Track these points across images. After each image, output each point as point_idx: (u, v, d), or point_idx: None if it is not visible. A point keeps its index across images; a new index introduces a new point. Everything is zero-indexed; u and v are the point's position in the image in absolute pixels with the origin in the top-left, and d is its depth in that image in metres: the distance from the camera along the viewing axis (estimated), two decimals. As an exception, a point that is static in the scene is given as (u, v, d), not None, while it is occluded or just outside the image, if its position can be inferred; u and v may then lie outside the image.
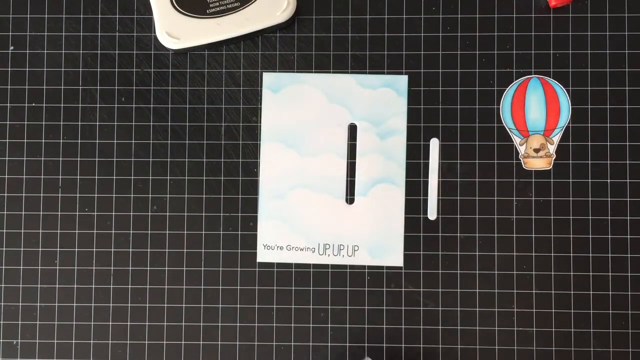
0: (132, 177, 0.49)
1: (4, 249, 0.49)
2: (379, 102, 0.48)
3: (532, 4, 0.49)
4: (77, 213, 0.49)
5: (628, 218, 0.48)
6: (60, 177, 0.49)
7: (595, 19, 0.49)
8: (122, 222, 0.49)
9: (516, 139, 0.49)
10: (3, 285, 0.49)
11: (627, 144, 0.49)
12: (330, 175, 0.48)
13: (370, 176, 0.48)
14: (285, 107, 0.49)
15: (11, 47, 0.50)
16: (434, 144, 0.48)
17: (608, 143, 0.49)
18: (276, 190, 0.49)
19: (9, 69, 0.50)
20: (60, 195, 0.49)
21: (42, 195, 0.49)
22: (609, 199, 0.48)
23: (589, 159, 0.49)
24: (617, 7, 0.49)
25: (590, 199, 0.48)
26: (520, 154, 0.49)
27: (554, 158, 0.49)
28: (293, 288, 0.48)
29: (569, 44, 0.49)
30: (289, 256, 0.48)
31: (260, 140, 0.49)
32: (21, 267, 0.49)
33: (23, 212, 0.49)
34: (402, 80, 0.49)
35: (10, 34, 0.50)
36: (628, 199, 0.48)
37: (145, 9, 0.50)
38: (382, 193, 0.48)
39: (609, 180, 0.49)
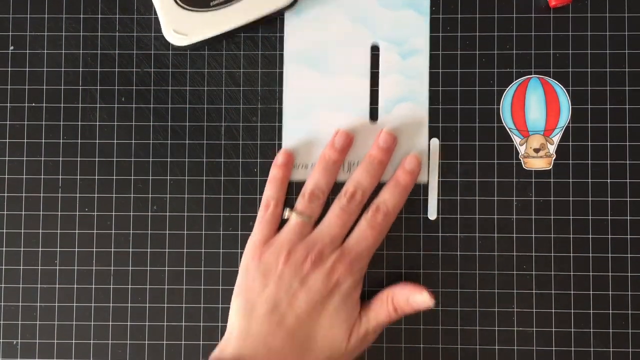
0: (132, 177, 0.49)
1: (4, 249, 0.49)
2: (400, 22, 0.49)
3: (532, 4, 0.49)
4: (77, 213, 0.49)
5: (628, 218, 0.48)
6: (60, 177, 0.49)
7: (595, 19, 0.49)
8: (122, 222, 0.49)
9: (516, 139, 0.49)
10: (3, 285, 0.49)
11: (627, 144, 0.49)
12: (353, 95, 0.49)
13: (392, 95, 0.49)
14: (308, 29, 0.49)
15: (11, 47, 0.50)
16: (434, 144, 0.48)
17: (608, 143, 0.49)
18: (300, 111, 0.49)
19: (9, 69, 0.50)
20: (60, 195, 0.49)
21: (42, 195, 0.49)
22: (609, 199, 0.48)
23: (589, 159, 0.49)
24: (617, 7, 0.49)
25: (590, 199, 0.48)
26: (520, 154, 0.49)
27: (554, 158, 0.49)
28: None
29: (569, 44, 0.49)
30: None
31: (283, 63, 0.49)
32: (21, 267, 0.49)
33: (23, 212, 0.49)
34: (424, 1, 0.49)
35: (10, 34, 0.50)
36: (628, 199, 0.48)
37: (145, 9, 0.50)
38: (405, 111, 0.49)
39: (609, 180, 0.49)
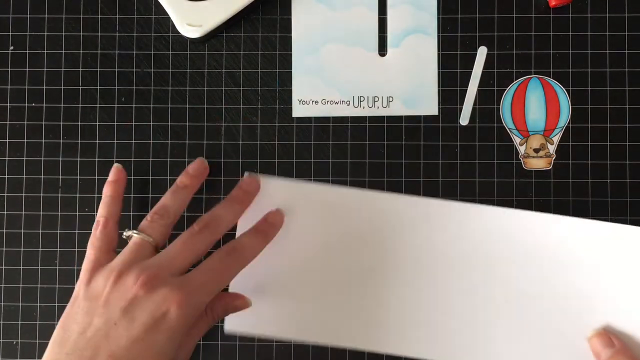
0: (132, 177, 0.49)
1: (4, 249, 0.49)
2: None
3: (532, 4, 0.49)
4: (77, 213, 0.49)
5: (628, 218, 0.48)
6: (60, 177, 0.49)
7: (595, 19, 0.49)
8: (122, 222, 0.49)
9: (516, 139, 0.49)
10: (3, 285, 0.49)
11: (627, 144, 0.49)
12: (362, 28, 0.49)
13: (401, 28, 0.49)
14: None
15: (11, 47, 0.50)
16: (482, 51, 0.47)
17: (608, 143, 0.49)
18: (309, 46, 0.49)
19: (9, 69, 0.50)
20: (60, 195, 0.49)
21: (42, 195, 0.49)
22: (609, 199, 0.48)
23: (589, 159, 0.49)
24: (617, 7, 0.49)
25: (590, 199, 0.48)
26: (520, 154, 0.49)
27: (554, 158, 0.49)
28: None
29: (569, 44, 0.49)
30: (325, 110, 0.49)
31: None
32: (21, 267, 0.49)
33: (23, 212, 0.49)
34: None
35: (10, 34, 0.50)
36: (628, 199, 0.48)
37: (145, 9, 0.50)
38: (415, 44, 0.49)
39: (609, 181, 0.49)
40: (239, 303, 0.46)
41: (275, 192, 0.48)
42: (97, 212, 0.49)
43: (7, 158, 0.49)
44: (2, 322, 0.49)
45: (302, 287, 0.47)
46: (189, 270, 0.42)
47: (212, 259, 0.43)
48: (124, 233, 0.44)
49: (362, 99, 0.49)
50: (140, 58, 0.50)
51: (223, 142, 0.49)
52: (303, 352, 0.48)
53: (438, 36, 0.49)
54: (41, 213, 0.49)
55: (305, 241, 0.47)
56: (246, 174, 0.48)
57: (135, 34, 0.50)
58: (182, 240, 0.43)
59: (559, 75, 0.49)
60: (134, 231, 0.43)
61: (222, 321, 0.48)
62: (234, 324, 0.47)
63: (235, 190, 0.47)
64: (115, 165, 0.47)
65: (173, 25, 0.49)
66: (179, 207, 0.45)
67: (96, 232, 0.44)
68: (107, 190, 0.46)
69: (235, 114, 0.49)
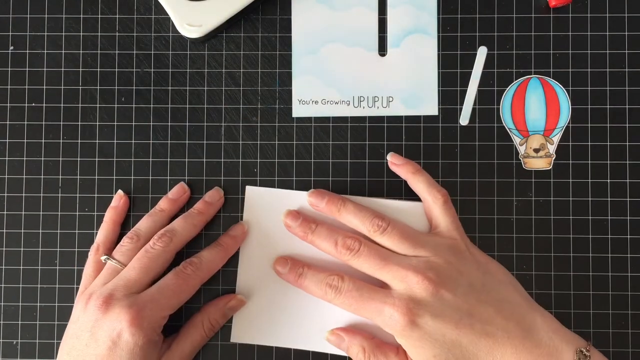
0: (132, 177, 0.49)
1: (4, 249, 0.49)
2: None
3: (532, 4, 0.49)
4: (77, 213, 0.49)
5: (628, 218, 0.48)
6: (60, 177, 0.49)
7: (595, 19, 0.49)
8: (122, 223, 0.49)
9: (516, 139, 0.49)
10: (3, 285, 0.49)
11: (627, 144, 0.49)
12: (362, 28, 0.49)
13: (401, 28, 0.49)
14: None
15: (11, 47, 0.50)
16: (482, 51, 0.47)
17: (608, 143, 0.49)
18: (309, 46, 0.49)
19: (9, 69, 0.50)
20: (60, 195, 0.49)
21: (42, 195, 0.49)
22: (609, 199, 0.48)
23: (589, 159, 0.49)
24: (617, 7, 0.49)
25: (590, 199, 0.48)
26: (520, 154, 0.49)
27: (554, 158, 0.49)
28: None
29: (569, 44, 0.49)
30: (325, 110, 0.49)
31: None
32: (21, 267, 0.49)
33: (23, 212, 0.49)
34: None
35: (10, 34, 0.50)
36: (628, 199, 0.48)
37: (145, 9, 0.50)
38: (415, 44, 0.49)
39: (608, 180, 0.49)
40: (233, 303, 0.47)
41: (261, 200, 0.48)
42: (97, 211, 0.49)
43: (7, 158, 0.49)
44: (2, 322, 0.49)
45: (299, 295, 0.47)
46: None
47: (168, 275, 0.44)
48: (102, 258, 0.46)
49: (362, 99, 0.49)
50: (140, 58, 0.50)
51: (223, 142, 0.49)
52: (303, 353, 0.48)
53: (438, 36, 0.49)
54: (41, 213, 0.49)
55: (296, 248, 0.47)
56: (214, 188, 0.48)
57: (135, 34, 0.50)
58: (136, 257, 0.45)
59: (559, 75, 0.49)
60: (107, 257, 0.45)
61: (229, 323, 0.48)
62: (239, 335, 0.48)
63: (198, 203, 0.48)
64: (119, 192, 0.48)
65: (173, 25, 0.49)
66: (151, 231, 0.46)
67: (89, 257, 0.47)
68: (107, 215, 0.48)
69: (235, 114, 0.49)
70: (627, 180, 0.48)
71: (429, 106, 0.49)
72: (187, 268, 0.45)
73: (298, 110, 0.49)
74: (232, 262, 0.48)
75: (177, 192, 0.48)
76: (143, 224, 0.46)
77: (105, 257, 0.46)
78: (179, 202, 0.48)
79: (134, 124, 0.49)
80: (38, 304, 0.49)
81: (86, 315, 0.42)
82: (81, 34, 0.50)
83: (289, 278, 0.46)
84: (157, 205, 0.47)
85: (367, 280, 0.44)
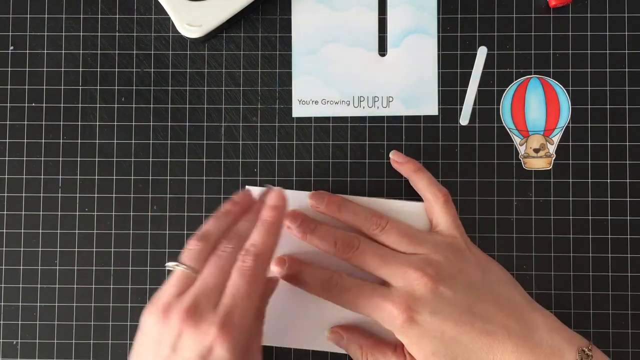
0: (132, 177, 0.49)
1: (4, 249, 0.49)
2: None
3: (532, 4, 0.49)
4: (77, 213, 0.49)
5: (628, 218, 0.48)
6: (60, 177, 0.49)
7: (595, 19, 0.49)
8: (122, 222, 0.49)
9: (516, 139, 0.49)
10: (3, 285, 0.49)
11: (627, 144, 0.49)
12: (362, 28, 0.49)
13: (401, 27, 0.49)
14: None
15: (11, 47, 0.50)
16: (482, 51, 0.47)
17: (608, 143, 0.49)
18: (309, 46, 0.49)
19: (9, 69, 0.50)
20: (60, 195, 0.49)
21: (42, 195, 0.49)
22: (609, 199, 0.48)
23: (589, 159, 0.49)
24: (617, 7, 0.49)
25: (590, 199, 0.48)
26: (520, 154, 0.49)
27: (554, 158, 0.49)
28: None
29: (569, 44, 0.49)
30: (325, 110, 0.49)
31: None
32: (21, 267, 0.49)
33: (23, 212, 0.49)
34: None
35: (10, 34, 0.50)
36: (628, 199, 0.48)
37: (145, 9, 0.50)
38: (415, 44, 0.49)
39: (608, 180, 0.49)
40: (272, 285, 0.45)
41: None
42: (97, 211, 0.49)
43: (7, 158, 0.49)
44: (2, 322, 0.49)
45: (298, 294, 0.47)
46: None
47: (232, 277, 0.40)
48: (167, 265, 0.43)
49: (362, 99, 0.49)
50: (140, 58, 0.50)
51: (223, 142, 0.49)
52: (303, 353, 0.48)
53: (438, 36, 0.49)
54: (41, 213, 0.49)
55: (295, 248, 0.47)
56: (268, 186, 0.47)
57: (135, 34, 0.50)
58: (209, 263, 0.41)
59: (559, 75, 0.49)
60: (175, 264, 0.41)
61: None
62: None
63: (258, 204, 0.45)
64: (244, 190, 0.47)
65: (173, 25, 0.49)
66: (222, 231, 0.43)
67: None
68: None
69: (235, 114, 0.49)
70: (627, 180, 0.48)
71: (429, 106, 0.49)
72: (245, 260, 0.40)
73: (298, 110, 0.49)
74: (232, 262, 0.48)
75: (242, 196, 0.45)
76: (210, 227, 0.43)
77: (175, 264, 0.41)
78: (245, 207, 0.45)
79: (134, 124, 0.49)
80: (38, 304, 0.49)
81: (167, 330, 0.39)
82: (81, 34, 0.50)
83: (288, 277, 0.46)
84: (221, 208, 0.44)
85: (367, 279, 0.44)
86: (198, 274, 0.40)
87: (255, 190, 0.48)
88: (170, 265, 0.41)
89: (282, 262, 0.46)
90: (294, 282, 0.46)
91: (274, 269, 0.46)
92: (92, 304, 0.49)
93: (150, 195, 0.49)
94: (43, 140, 0.49)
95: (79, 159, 0.49)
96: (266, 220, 0.42)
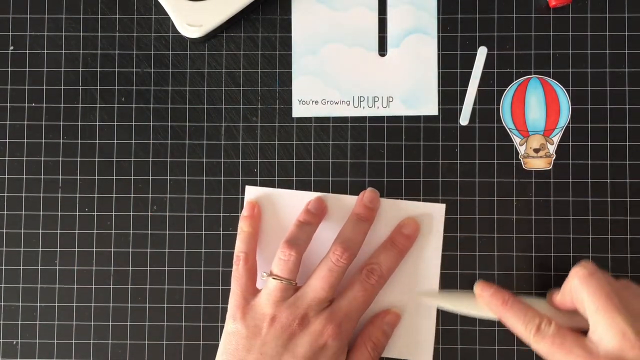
0: (132, 177, 0.49)
1: (4, 249, 0.49)
2: None
3: (532, 4, 0.49)
4: (77, 213, 0.49)
5: (628, 218, 0.48)
6: (60, 177, 0.49)
7: (595, 19, 0.49)
8: (122, 222, 0.49)
9: (516, 139, 0.49)
10: (3, 285, 0.49)
11: (627, 144, 0.49)
12: (362, 28, 0.49)
13: (401, 27, 0.49)
14: None
15: (11, 47, 0.50)
16: (482, 51, 0.47)
17: (608, 143, 0.49)
18: (309, 46, 0.49)
19: (9, 69, 0.50)
20: (60, 195, 0.49)
21: (42, 195, 0.49)
22: (608, 199, 0.48)
23: (588, 159, 0.49)
24: (617, 7, 0.49)
25: (590, 199, 0.48)
26: (520, 154, 0.49)
27: (553, 158, 0.49)
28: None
29: (569, 44, 0.49)
30: (325, 110, 0.49)
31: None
32: (21, 267, 0.49)
33: (23, 212, 0.49)
34: None
35: (10, 34, 0.50)
36: (628, 199, 0.48)
37: (145, 9, 0.50)
38: (415, 44, 0.49)
39: (608, 180, 0.49)
40: (390, 318, 0.47)
41: (261, 200, 0.48)
42: (97, 211, 0.49)
43: (7, 158, 0.49)
44: (2, 322, 0.49)
45: None
46: None
47: (354, 287, 0.45)
48: (264, 275, 0.45)
49: (362, 99, 0.49)
50: (140, 58, 0.50)
51: (223, 142, 0.49)
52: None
53: (438, 36, 0.49)
54: (41, 213, 0.49)
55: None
56: (369, 189, 0.48)
57: (135, 34, 0.50)
58: (321, 276, 0.44)
59: (559, 75, 0.49)
60: (274, 276, 0.44)
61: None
62: None
63: (357, 208, 0.47)
64: (249, 201, 0.48)
65: (173, 25, 0.49)
66: (307, 240, 0.46)
67: (238, 267, 0.46)
68: (243, 225, 0.47)
69: (235, 114, 0.49)
70: (627, 181, 0.48)
71: (429, 106, 0.49)
72: (370, 278, 0.45)
73: (298, 110, 0.49)
74: (229, 263, 0.48)
75: (317, 204, 0.47)
76: (296, 235, 0.46)
77: (268, 274, 0.45)
78: (321, 215, 0.47)
79: (134, 124, 0.49)
80: (38, 304, 0.49)
81: (273, 334, 0.43)
82: (81, 34, 0.50)
83: (492, 303, 0.45)
84: (300, 219, 0.47)
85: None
86: (294, 283, 0.45)
87: (256, 190, 0.48)
88: (264, 276, 0.45)
89: (487, 287, 0.46)
90: (497, 311, 0.45)
91: (479, 292, 0.46)
92: (92, 304, 0.49)
93: (150, 195, 0.49)
94: (43, 140, 0.49)
95: (79, 159, 0.49)
96: (397, 246, 0.47)
